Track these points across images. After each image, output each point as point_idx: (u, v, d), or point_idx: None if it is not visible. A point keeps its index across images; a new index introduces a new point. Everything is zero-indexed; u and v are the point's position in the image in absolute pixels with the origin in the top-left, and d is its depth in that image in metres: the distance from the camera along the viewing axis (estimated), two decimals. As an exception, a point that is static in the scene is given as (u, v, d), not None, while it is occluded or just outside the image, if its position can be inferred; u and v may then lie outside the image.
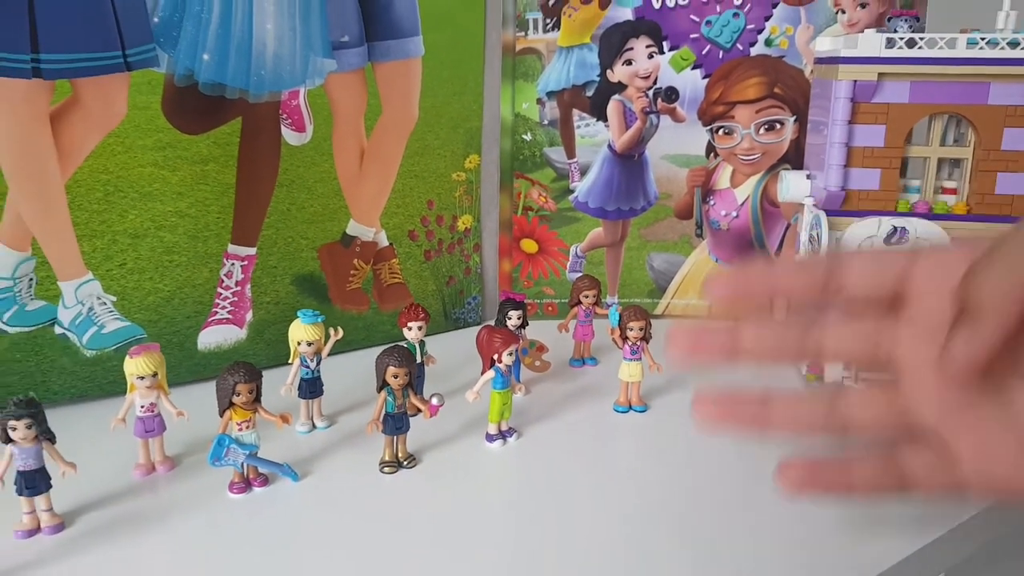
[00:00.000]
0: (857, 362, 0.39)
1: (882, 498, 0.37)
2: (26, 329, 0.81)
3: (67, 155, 0.80)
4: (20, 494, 0.61)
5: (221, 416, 0.66)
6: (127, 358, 0.69)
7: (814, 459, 0.38)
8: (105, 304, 0.84)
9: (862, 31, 0.91)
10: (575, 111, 1.07)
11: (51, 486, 0.62)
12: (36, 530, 0.62)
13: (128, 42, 0.80)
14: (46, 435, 0.61)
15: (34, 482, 0.61)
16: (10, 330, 0.80)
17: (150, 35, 0.81)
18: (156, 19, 0.81)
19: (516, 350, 0.75)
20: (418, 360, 0.80)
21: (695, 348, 0.38)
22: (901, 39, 0.75)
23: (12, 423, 0.59)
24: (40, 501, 0.62)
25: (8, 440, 0.60)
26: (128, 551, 0.60)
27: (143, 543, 0.61)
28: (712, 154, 1.08)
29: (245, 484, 0.67)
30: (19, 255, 0.80)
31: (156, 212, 0.85)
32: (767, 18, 1.02)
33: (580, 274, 1.06)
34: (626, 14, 1.04)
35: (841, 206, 0.81)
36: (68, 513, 0.64)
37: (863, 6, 0.98)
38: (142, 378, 0.69)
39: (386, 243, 1.03)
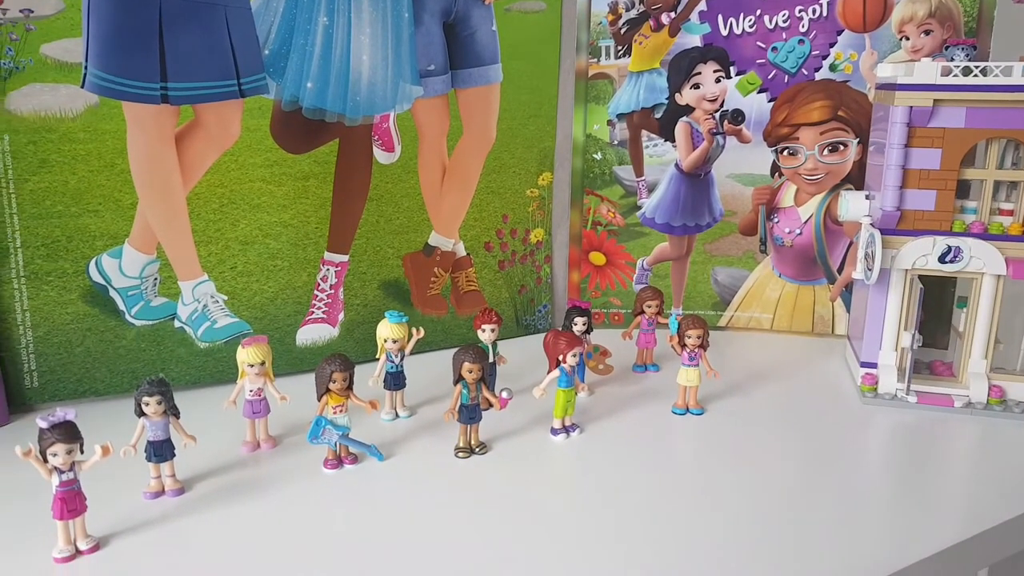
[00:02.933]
0: None
1: None
2: (150, 323, 0.91)
3: (189, 171, 0.90)
4: (149, 460, 0.69)
5: (319, 400, 0.74)
6: (240, 348, 0.77)
7: None
8: (218, 302, 0.94)
9: (927, 56, 0.94)
10: (644, 132, 1.13)
11: (175, 455, 0.70)
12: (161, 492, 0.70)
13: (243, 72, 0.90)
14: (173, 411, 0.69)
15: (161, 451, 0.69)
16: (137, 323, 0.91)
17: (261, 66, 0.91)
18: (267, 52, 0.91)
19: (580, 352, 0.79)
20: (490, 359, 0.85)
21: None
22: (956, 67, 0.78)
23: (146, 399, 0.68)
24: (165, 468, 0.70)
25: (142, 414, 0.68)
26: (236, 514, 0.67)
27: (249, 508, 0.68)
28: (776, 173, 1.11)
29: (337, 461, 0.75)
30: (146, 258, 0.90)
31: (263, 222, 0.95)
32: (832, 44, 1.06)
33: (646, 286, 1.11)
34: (695, 41, 1.09)
35: (897, 225, 0.84)
36: (187, 480, 0.72)
37: (927, 33, 1.00)
38: (252, 366, 0.77)
39: (464, 253, 1.10)
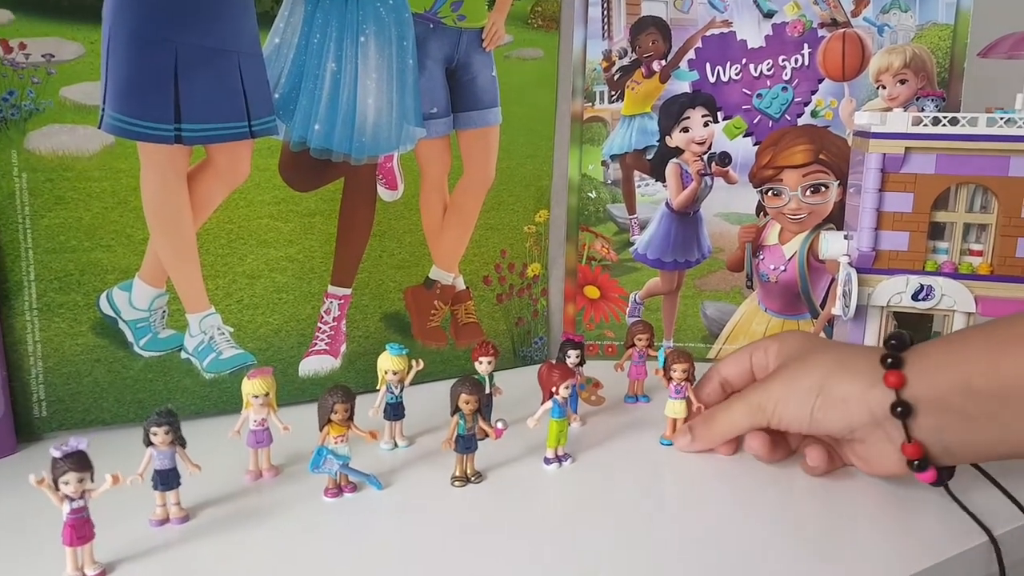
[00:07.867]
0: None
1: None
2: (157, 354, 0.94)
3: (199, 207, 0.93)
4: (155, 489, 0.70)
5: (320, 430, 0.76)
6: (245, 379, 0.79)
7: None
8: (224, 334, 0.96)
9: (903, 104, 0.99)
10: (636, 172, 1.17)
11: (180, 483, 0.72)
12: (166, 520, 0.71)
13: (253, 114, 0.93)
14: (179, 440, 0.71)
15: (167, 479, 0.71)
16: (145, 354, 0.93)
17: (271, 108, 0.94)
18: (277, 95, 0.95)
19: (572, 384, 0.82)
20: (487, 390, 0.87)
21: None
22: (926, 118, 0.82)
23: (154, 429, 0.69)
24: (171, 496, 0.71)
25: (149, 443, 0.70)
26: (239, 541, 0.68)
27: (252, 535, 0.69)
28: (762, 213, 1.15)
29: (338, 490, 0.76)
30: (155, 291, 0.93)
31: (270, 257, 0.98)
32: (813, 92, 1.10)
33: (638, 319, 1.14)
34: (684, 87, 1.14)
35: (872, 264, 0.88)
36: (192, 507, 0.73)
37: (902, 82, 1.05)
38: (256, 396, 0.79)
39: (463, 287, 1.13)
